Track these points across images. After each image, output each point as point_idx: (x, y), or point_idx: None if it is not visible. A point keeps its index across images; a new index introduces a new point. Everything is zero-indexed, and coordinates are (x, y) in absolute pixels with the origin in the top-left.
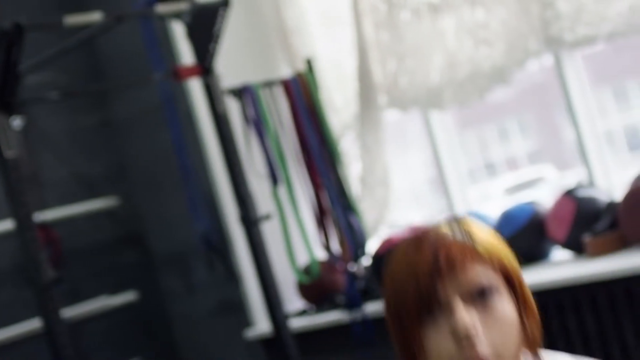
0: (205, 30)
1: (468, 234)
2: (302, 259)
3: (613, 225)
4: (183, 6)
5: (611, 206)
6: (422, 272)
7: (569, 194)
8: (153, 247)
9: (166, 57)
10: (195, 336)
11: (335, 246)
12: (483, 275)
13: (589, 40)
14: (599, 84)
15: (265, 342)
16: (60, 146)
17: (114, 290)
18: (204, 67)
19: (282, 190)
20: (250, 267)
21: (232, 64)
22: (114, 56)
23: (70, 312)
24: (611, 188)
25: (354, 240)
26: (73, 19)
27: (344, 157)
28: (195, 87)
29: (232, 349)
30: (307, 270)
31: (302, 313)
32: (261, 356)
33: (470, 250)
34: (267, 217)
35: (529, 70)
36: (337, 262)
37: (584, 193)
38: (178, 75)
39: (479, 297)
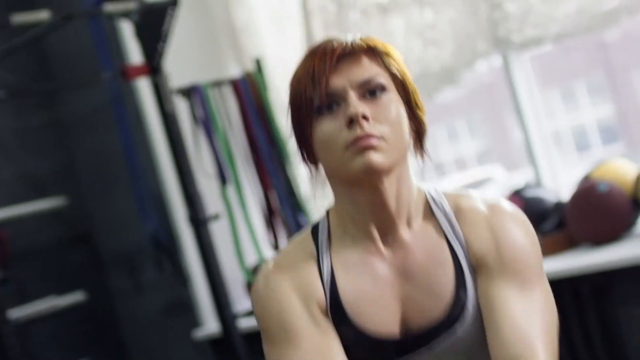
0: (153, 29)
1: (364, 40)
2: (251, 259)
3: (560, 225)
4: (131, 5)
5: (559, 206)
6: (318, 68)
7: (517, 194)
8: (101, 247)
9: (115, 56)
10: (144, 336)
11: (284, 245)
12: (373, 71)
13: (536, 42)
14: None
15: (214, 343)
16: (8, 146)
17: (62, 290)
18: (153, 67)
19: (231, 190)
20: (199, 267)
21: (181, 64)
22: (62, 55)
23: (17, 312)
24: (559, 188)
25: None
26: (21, 18)
27: (293, 157)
28: (143, 87)
29: (180, 349)
30: (255, 270)
31: (251, 313)
32: (210, 356)
33: (361, 48)
34: (215, 217)
35: (477, 71)
36: None
37: (531, 193)
38: (126, 74)
39: (370, 94)
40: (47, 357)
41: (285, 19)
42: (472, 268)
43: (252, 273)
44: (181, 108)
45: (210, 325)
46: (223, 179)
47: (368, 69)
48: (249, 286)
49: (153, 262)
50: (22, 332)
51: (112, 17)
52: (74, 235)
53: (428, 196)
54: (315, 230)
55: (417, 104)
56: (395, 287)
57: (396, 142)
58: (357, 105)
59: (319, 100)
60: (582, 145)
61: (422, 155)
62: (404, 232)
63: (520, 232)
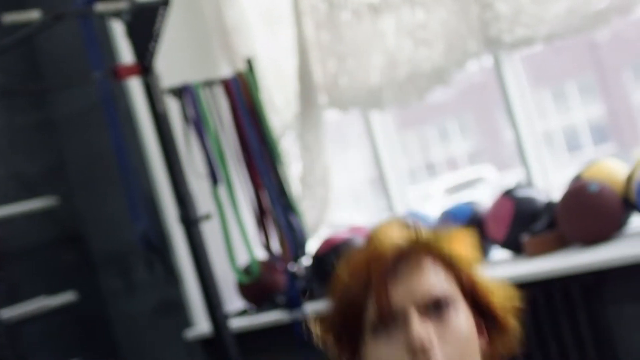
0: (145, 29)
1: (429, 238)
2: (242, 259)
3: (551, 225)
4: (123, 5)
5: (549, 206)
6: (376, 276)
7: (508, 194)
8: (92, 247)
9: (106, 56)
10: (135, 336)
11: (276, 246)
12: (440, 284)
13: (527, 42)
14: (538, 85)
15: (205, 343)
16: None
17: (53, 290)
18: (144, 67)
19: (222, 190)
20: (190, 267)
21: (172, 64)
22: (53, 55)
23: (8, 312)
24: (549, 188)
25: (294, 240)
26: (11, 17)
27: (284, 156)
28: (135, 87)
29: (172, 349)
30: (247, 270)
31: (243, 313)
32: (201, 356)
33: (428, 254)
34: (207, 216)
35: (468, 71)
36: (277, 262)
37: (522, 193)
38: (117, 74)
39: (435, 309)
40: (38, 358)
41: (277, 19)
42: None
43: (244, 273)
44: (172, 108)
45: (201, 325)
46: (214, 179)
47: (433, 280)
48: (240, 286)
49: (144, 262)
50: (13, 332)
51: (103, 17)
52: (64, 235)
53: None
54: None
55: (487, 305)
56: None
57: None
58: (421, 331)
59: (377, 318)
60: (573, 145)
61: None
62: None
63: None
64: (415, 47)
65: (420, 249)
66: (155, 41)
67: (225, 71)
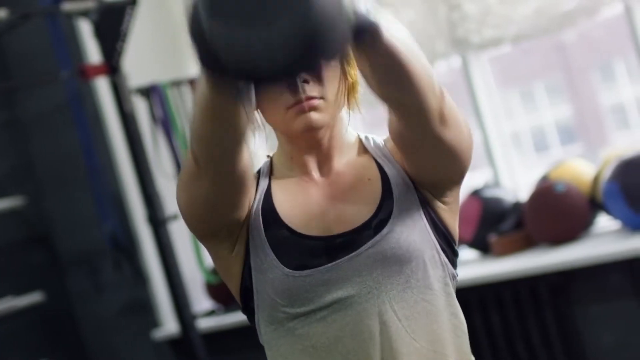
0: (112, 28)
1: None
2: (210, 259)
3: (518, 225)
4: (90, 4)
5: (517, 206)
6: None
7: (475, 194)
8: (60, 247)
9: (73, 55)
10: (102, 337)
11: None
12: None
13: (495, 43)
14: (506, 85)
15: (173, 343)
16: None
17: (20, 291)
18: (111, 66)
19: None
20: (158, 267)
21: (140, 63)
22: (20, 54)
23: None
24: (517, 188)
25: None
26: None
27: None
28: (102, 86)
29: (140, 349)
30: (215, 271)
31: (210, 313)
32: (169, 357)
33: None
34: (174, 217)
35: (436, 72)
36: None
37: (489, 193)
38: (85, 74)
39: None
40: (5, 358)
41: None
42: (408, 182)
43: (211, 273)
44: (140, 108)
45: (169, 325)
46: None
47: None
48: (208, 286)
49: (112, 263)
50: None
51: (70, 16)
52: (32, 235)
53: (362, 137)
54: (259, 170)
55: (347, 61)
56: (325, 201)
57: (334, 100)
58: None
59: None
60: (540, 145)
61: (352, 108)
62: (338, 164)
63: None
64: None
65: None
66: (123, 41)
67: (193, 70)
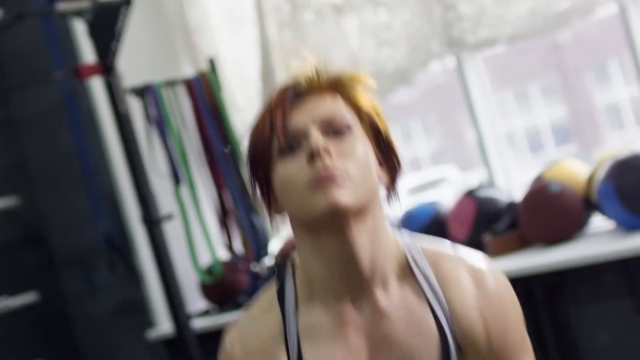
0: (107, 28)
1: (329, 72)
2: (205, 259)
3: (513, 225)
4: (84, 4)
5: (511, 206)
6: (278, 103)
7: (470, 194)
8: (54, 247)
9: (67, 55)
10: (97, 337)
11: (238, 246)
12: (338, 108)
13: (490, 43)
14: (501, 85)
15: (168, 343)
16: None
17: (15, 291)
18: (106, 66)
19: (185, 190)
20: (153, 268)
21: (135, 63)
22: (14, 54)
23: None
24: (511, 188)
25: (256, 240)
26: None
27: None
28: (96, 86)
29: (134, 349)
30: (209, 271)
31: (205, 313)
32: (164, 357)
33: (325, 82)
34: (169, 217)
35: (431, 72)
36: (239, 262)
37: (484, 193)
38: (79, 73)
39: (334, 132)
40: None
41: (240, 19)
42: (456, 341)
43: (206, 273)
44: (134, 108)
45: (163, 325)
46: (176, 179)
47: (332, 106)
48: (203, 286)
49: (106, 263)
50: None
51: (64, 16)
52: (26, 235)
53: (407, 254)
54: (281, 292)
55: (388, 141)
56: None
57: (363, 180)
58: (318, 138)
59: (278, 140)
60: (535, 145)
61: (391, 199)
62: (381, 296)
63: (509, 309)
64: (378, 48)
65: (321, 82)
66: (118, 41)
67: (188, 71)
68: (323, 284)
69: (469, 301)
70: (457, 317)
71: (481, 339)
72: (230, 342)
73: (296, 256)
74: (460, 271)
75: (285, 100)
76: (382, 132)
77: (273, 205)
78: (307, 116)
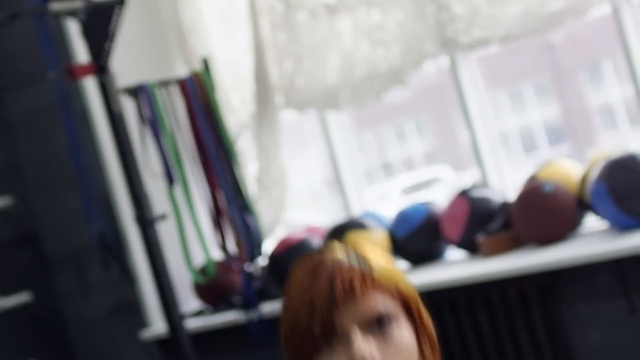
0: (100, 28)
1: (364, 261)
2: (198, 259)
3: (506, 225)
4: (78, 4)
5: (505, 206)
6: (319, 302)
7: (463, 194)
8: (48, 247)
9: (61, 55)
10: (91, 337)
11: (232, 246)
12: (381, 303)
13: (483, 43)
14: (494, 86)
15: (162, 343)
16: None
17: (8, 291)
18: (99, 66)
19: (178, 190)
20: (146, 268)
21: (128, 63)
22: (7, 54)
23: None
24: (505, 188)
25: (250, 241)
26: None
27: (240, 157)
28: (90, 86)
29: (128, 349)
30: (203, 271)
31: (199, 313)
32: (157, 357)
33: (367, 278)
34: (162, 217)
35: (425, 72)
36: (233, 262)
37: (478, 193)
38: (73, 73)
39: (377, 325)
40: None
41: (233, 19)
42: None
43: (200, 273)
44: (128, 108)
45: (157, 325)
46: (170, 179)
47: (376, 301)
48: (196, 286)
49: (100, 263)
50: None
51: (58, 16)
52: (20, 235)
53: None
54: None
55: (423, 321)
56: None
57: None
58: (363, 347)
59: (321, 337)
60: (528, 145)
61: None
62: None
63: None
64: (372, 48)
65: (359, 276)
66: (111, 40)
67: (182, 71)
68: None
69: None
70: None
71: None
72: None
73: None
74: None
75: (334, 294)
76: (417, 312)
77: None
78: (350, 315)
